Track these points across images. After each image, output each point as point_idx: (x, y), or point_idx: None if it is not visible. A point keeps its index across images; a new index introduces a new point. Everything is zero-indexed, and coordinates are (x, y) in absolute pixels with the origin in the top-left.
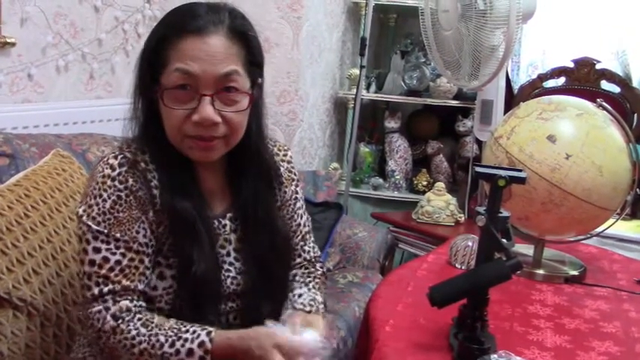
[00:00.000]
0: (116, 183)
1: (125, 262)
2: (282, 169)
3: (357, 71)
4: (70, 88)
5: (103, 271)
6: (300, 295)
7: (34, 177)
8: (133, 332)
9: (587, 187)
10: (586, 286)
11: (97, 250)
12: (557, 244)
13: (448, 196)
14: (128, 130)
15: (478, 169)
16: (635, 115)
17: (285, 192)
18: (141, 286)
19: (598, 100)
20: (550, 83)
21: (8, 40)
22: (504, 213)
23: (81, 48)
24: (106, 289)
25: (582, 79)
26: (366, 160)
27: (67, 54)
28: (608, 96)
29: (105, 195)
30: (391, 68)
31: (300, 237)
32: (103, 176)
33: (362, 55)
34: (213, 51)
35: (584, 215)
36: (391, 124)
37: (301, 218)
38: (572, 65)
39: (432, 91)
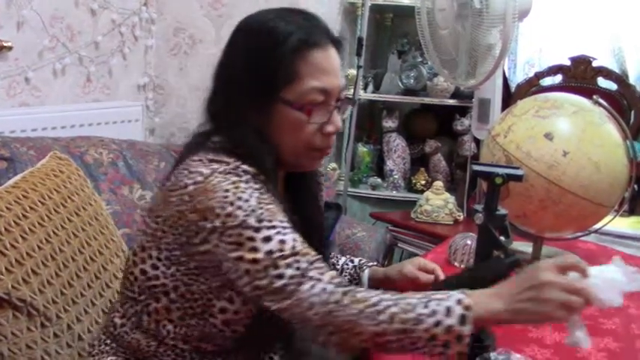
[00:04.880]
0: (251, 184)
1: (299, 239)
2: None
3: (354, 71)
4: (68, 92)
5: (287, 252)
6: (352, 260)
7: (31, 179)
8: (375, 298)
9: (584, 183)
10: None
11: (268, 239)
12: (556, 241)
13: (447, 195)
14: (222, 142)
15: (475, 167)
16: (632, 111)
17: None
18: None
19: (594, 96)
20: (547, 81)
21: (5, 44)
22: (502, 211)
23: (78, 51)
24: (303, 262)
25: (579, 76)
26: (364, 160)
27: (63, 57)
28: (605, 93)
29: (245, 195)
30: (388, 68)
31: None
32: (232, 183)
33: (359, 55)
34: (337, 64)
35: (582, 212)
36: (389, 123)
37: None
38: (568, 63)
39: (429, 90)
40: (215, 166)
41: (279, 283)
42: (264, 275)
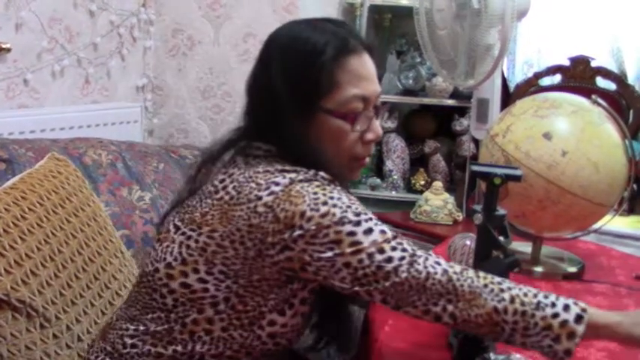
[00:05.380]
0: (332, 186)
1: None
2: None
3: None
4: (66, 93)
5: (390, 236)
6: None
7: (30, 180)
8: (498, 278)
9: (583, 183)
10: (585, 283)
11: (369, 231)
12: (556, 241)
13: (446, 195)
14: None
15: (474, 167)
16: (631, 111)
17: None
18: None
19: (593, 96)
20: (546, 81)
21: (3, 46)
22: (501, 211)
23: (76, 52)
24: (406, 244)
25: (578, 76)
26: None
27: (62, 59)
28: (603, 93)
29: (335, 194)
30: (387, 68)
31: None
32: (317, 186)
33: None
34: (373, 69)
35: (581, 212)
36: (388, 124)
37: None
38: (567, 63)
39: (428, 90)
40: (292, 175)
41: (390, 266)
42: (370, 263)
